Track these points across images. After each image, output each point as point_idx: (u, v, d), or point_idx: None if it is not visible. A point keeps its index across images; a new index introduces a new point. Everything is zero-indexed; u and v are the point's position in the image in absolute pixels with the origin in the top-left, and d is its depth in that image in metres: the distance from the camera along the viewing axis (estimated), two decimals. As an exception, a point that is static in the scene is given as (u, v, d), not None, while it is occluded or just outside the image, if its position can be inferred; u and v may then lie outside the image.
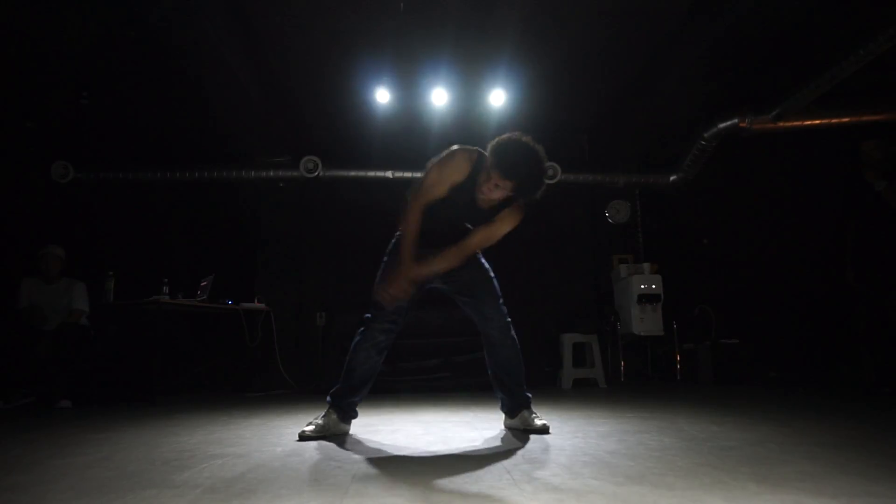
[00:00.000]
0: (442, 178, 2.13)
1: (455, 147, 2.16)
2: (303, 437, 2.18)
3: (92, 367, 4.15)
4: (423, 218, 2.16)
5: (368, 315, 2.32)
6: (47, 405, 3.74)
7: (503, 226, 2.17)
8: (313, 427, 2.23)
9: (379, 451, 1.93)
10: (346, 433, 2.30)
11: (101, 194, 5.72)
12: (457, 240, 2.19)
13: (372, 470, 1.60)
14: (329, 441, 2.15)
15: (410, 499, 1.28)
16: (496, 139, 2.05)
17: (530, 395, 2.41)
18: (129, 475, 1.58)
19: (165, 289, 4.29)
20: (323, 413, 2.30)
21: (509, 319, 2.37)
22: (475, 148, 2.16)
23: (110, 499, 1.32)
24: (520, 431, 2.31)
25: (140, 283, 4.55)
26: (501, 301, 2.37)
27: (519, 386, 2.39)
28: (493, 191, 2.04)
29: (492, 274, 2.40)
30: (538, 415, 2.37)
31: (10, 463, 1.80)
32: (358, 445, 2.04)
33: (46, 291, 4.19)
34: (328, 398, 2.33)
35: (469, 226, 2.22)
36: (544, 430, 2.27)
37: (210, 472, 1.59)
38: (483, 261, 2.42)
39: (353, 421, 2.38)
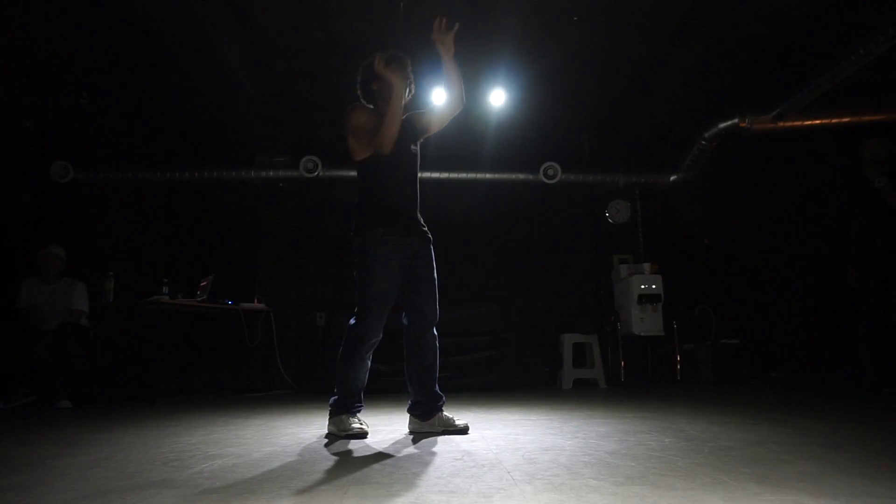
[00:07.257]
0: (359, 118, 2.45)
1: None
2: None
3: (92, 367, 4.15)
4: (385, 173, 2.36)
5: (353, 322, 2.30)
6: (47, 405, 3.74)
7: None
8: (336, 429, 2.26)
9: (378, 451, 1.93)
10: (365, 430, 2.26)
11: (101, 194, 5.72)
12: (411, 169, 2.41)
13: (371, 470, 1.60)
14: (329, 441, 2.15)
15: (409, 499, 1.28)
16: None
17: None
18: (129, 475, 1.58)
19: (165, 289, 4.28)
20: (330, 420, 2.30)
21: None
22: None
23: (110, 499, 1.32)
24: (437, 433, 2.28)
25: (140, 283, 4.55)
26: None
27: (436, 387, 2.37)
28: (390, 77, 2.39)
29: (436, 275, 2.42)
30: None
31: (10, 463, 1.80)
32: (358, 445, 2.04)
33: (46, 291, 4.19)
34: (331, 407, 2.31)
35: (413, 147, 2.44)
36: (465, 430, 2.28)
37: (210, 472, 1.59)
38: (434, 260, 2.42)
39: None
